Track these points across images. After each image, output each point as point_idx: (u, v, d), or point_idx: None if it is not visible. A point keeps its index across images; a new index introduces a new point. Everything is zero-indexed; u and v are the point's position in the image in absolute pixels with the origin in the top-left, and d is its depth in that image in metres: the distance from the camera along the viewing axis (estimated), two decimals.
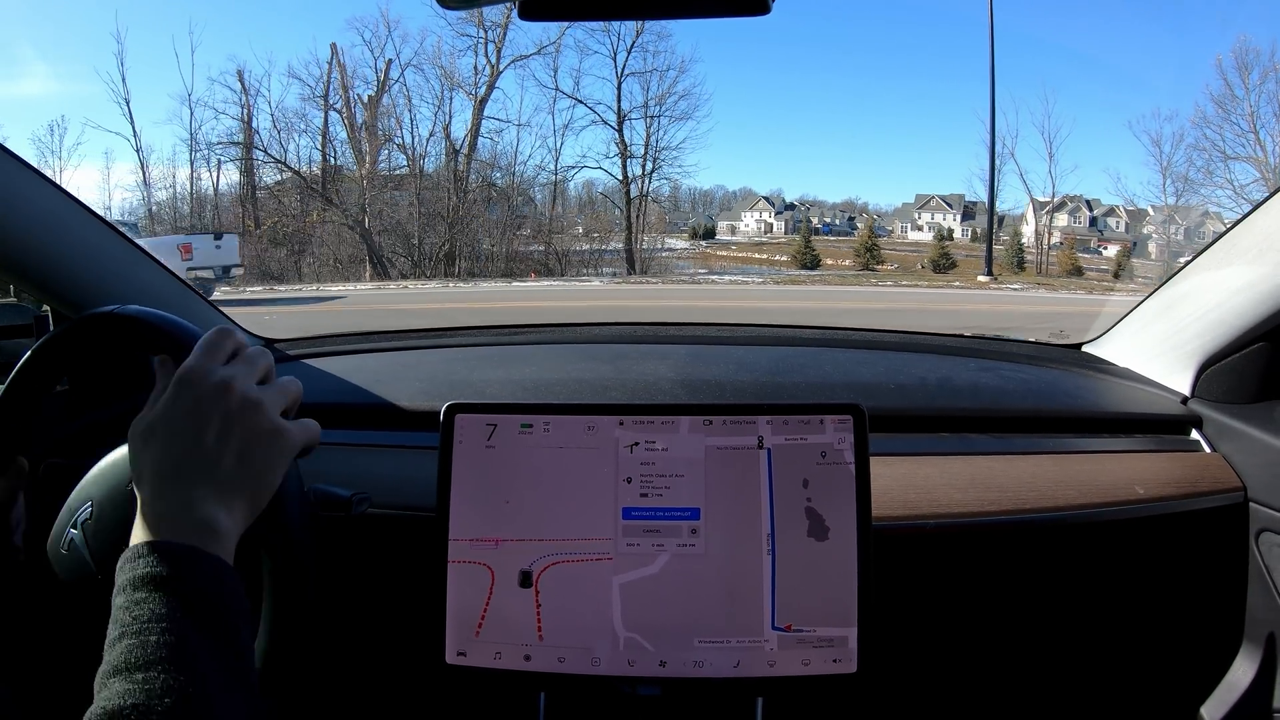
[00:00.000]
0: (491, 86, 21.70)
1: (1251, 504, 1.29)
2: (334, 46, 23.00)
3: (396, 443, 1.34)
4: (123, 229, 1.45)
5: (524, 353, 1.74)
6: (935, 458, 1.32)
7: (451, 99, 22.25)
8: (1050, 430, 1.40)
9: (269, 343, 1.73)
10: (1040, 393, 1.50)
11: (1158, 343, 1.51)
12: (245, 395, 0.78)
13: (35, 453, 1.03)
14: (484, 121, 22.08)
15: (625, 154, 22.98)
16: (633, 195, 23.26)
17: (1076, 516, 1.24)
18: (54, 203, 1.28)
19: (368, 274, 20.23)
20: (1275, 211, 1.24)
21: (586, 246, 22.82)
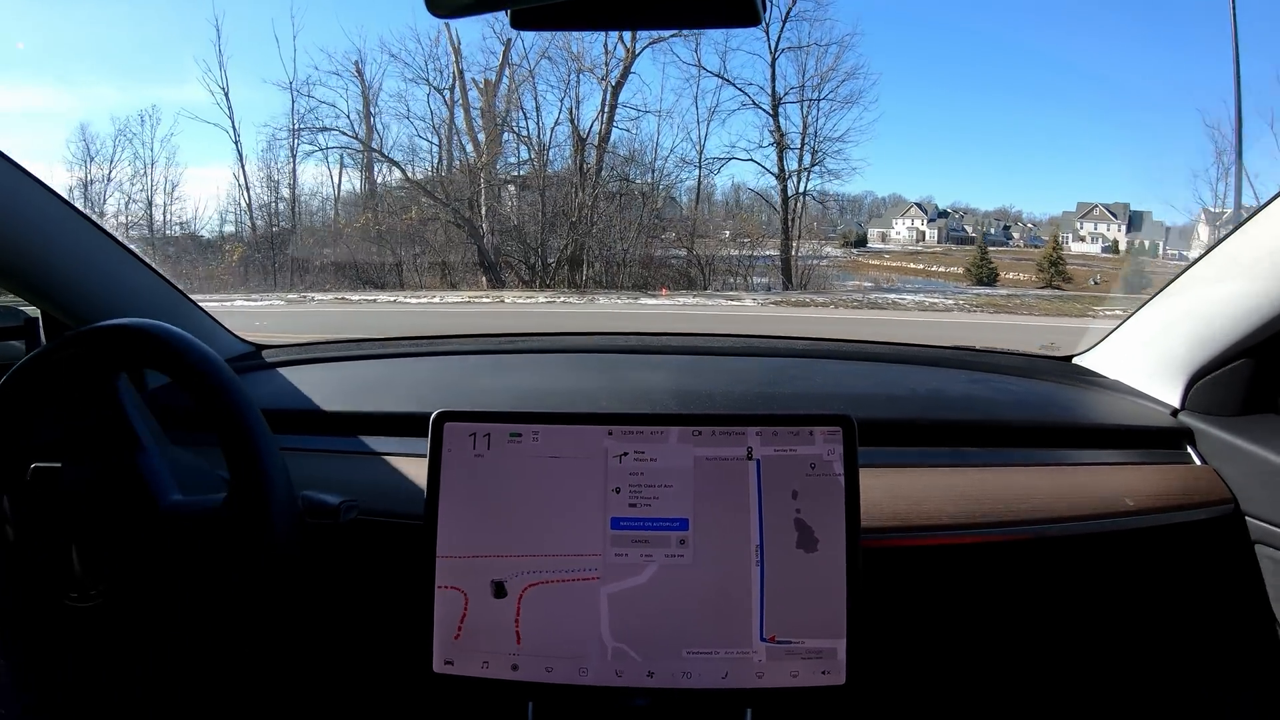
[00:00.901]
0: (627, 71, 18.06)
1: (1244, 517, 1.29)
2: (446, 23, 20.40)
3: (385, 450, 1.34)
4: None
5: (515, 362, 1.73)
6: (925, 469, 1.32)
7: (579, 83, 18.54)
8: (1041, 442, 1.40)
9: (258, 349, 1.72)
10: (1031, 405, 1.50)
11: (1148, 355, 1.51)
12: None
13: (21, 457, 1.02)
14: (618, 109, 18.38)
15: (782, 144, 18.58)
16: (789, 193, 19.39)
17: (1066, 529, 1.24)
18: (45, 205, 1.28)
19: (483, 281, 18.08)
20: (1267, 224, 1.25)
21: (734, 252, 19.25)
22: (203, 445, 1.06)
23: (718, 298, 16.14)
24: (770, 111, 18.06)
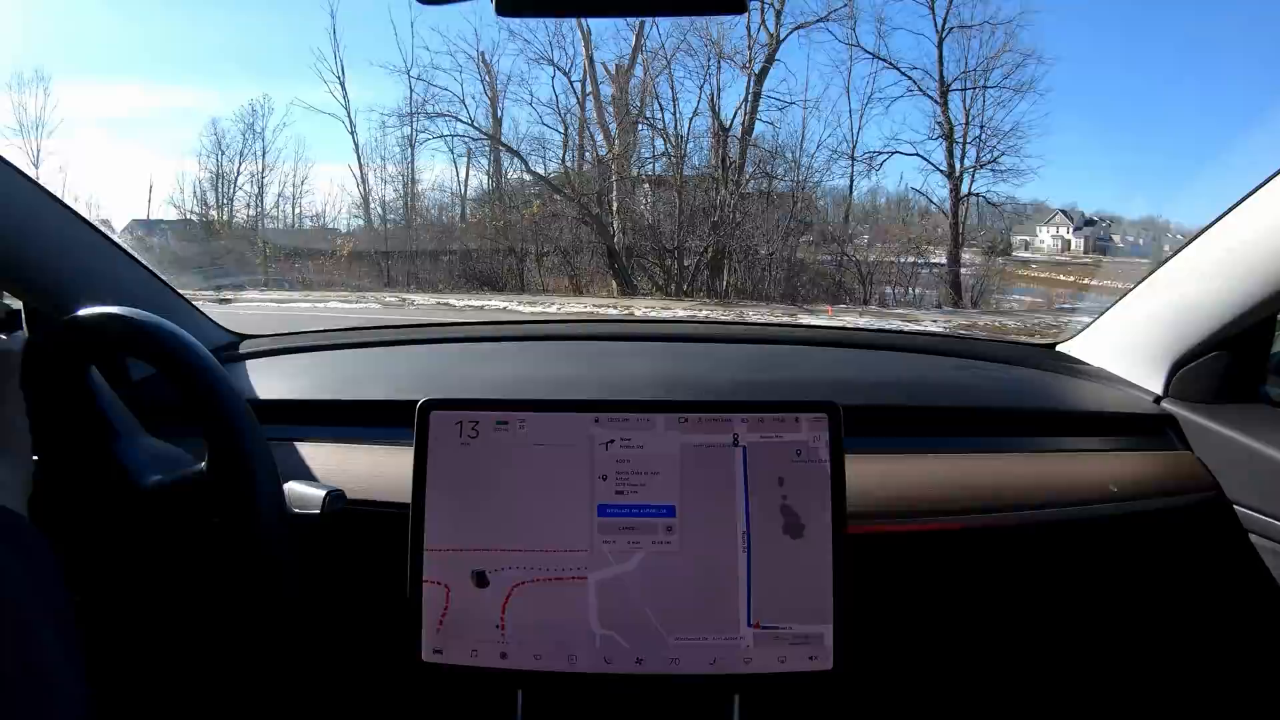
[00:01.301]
0: (771, 57, 15.71)
1: (1226, 504, 1.30)
2: None
3: (371, 439, 1.33)
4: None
5: (502, 349, 1.73)
6: (910, 456, 1.32)
7: (719, 70, 16.10)
8: (1024, 429, 1.41)
9: (241, 338, 1.71)
10: (1014, 392, 1.51)
11: (1131, 342, 1.52)
12: None
13: None
14: (761, 99, 16.01)
15: (950, 136, 15.63)
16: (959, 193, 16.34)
17: (1050, 514, 1.25)
18: (23, 194, 1.26)
19: (612, 286, 15.92)
20: (1248, 214, 1.26)
21: (895, 258, 16.10)
22: (189, 437, 1.05)
23: (891, 318, 13.61)
24: (939, 99, 15.47)
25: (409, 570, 1.03)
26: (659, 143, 16.79)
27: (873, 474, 1.25)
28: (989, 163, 15.56)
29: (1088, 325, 1.65)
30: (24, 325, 1.37)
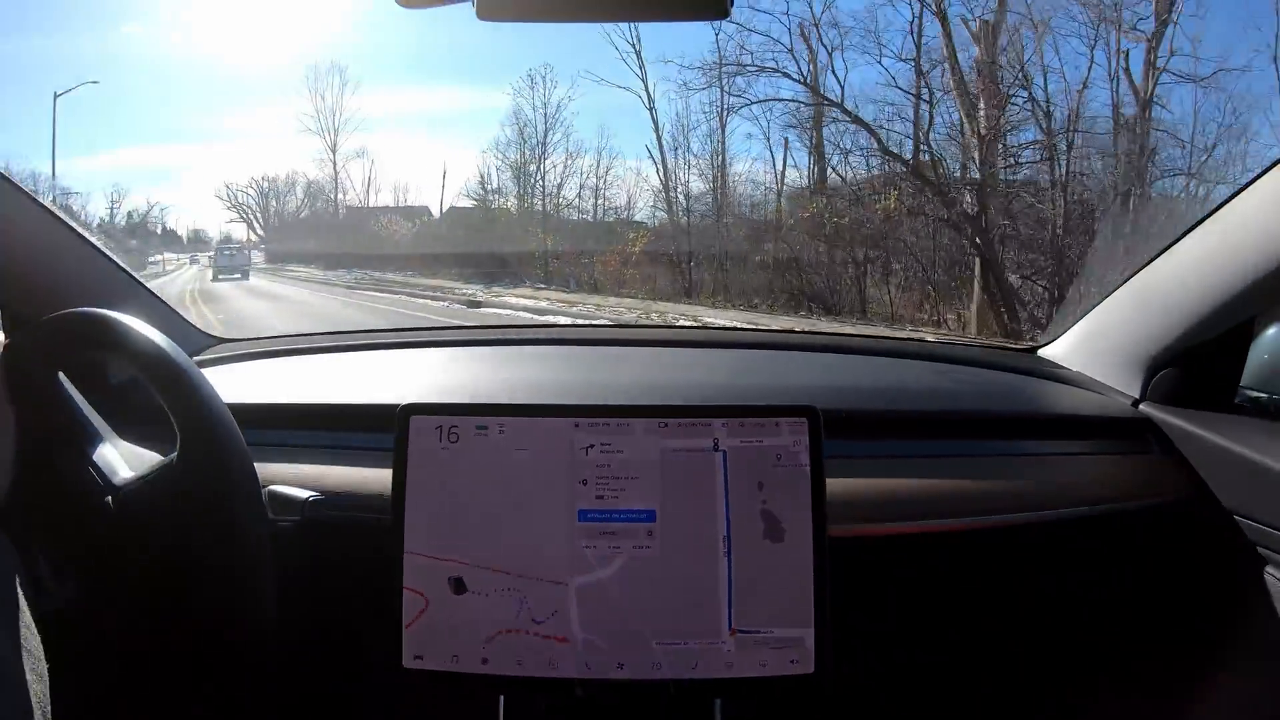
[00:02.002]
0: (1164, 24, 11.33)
1: (1203, 506, 1.31)
2: None
3: (351, 445, 1.33)
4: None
5: (482, 354, 1.73)
6: (890, 460, 1.33)
7: (1118, 30, 11.64)
8: (1003, 433, 1.42)
9: (218, 341, 1.70)
10: (994, 396, 1.52)
11: (1111, 346, 1.53)
12: None
13: None
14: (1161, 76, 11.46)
15: None
16: None
17: (1027, 518, 1.26)
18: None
19: (992, 322, 11.34)
20: (1227, 218, 1.27)
21: None
22: (169, 441, 1.05)
23: None
24: None
25: (390, 576, 1.02)
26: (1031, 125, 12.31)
27: (852, 478, 1.25)
28: None
29: (1069, 329, 1.66)
30: None
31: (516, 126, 18.47)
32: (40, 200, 1.31)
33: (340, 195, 24.18)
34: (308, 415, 1.39)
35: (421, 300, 16.51)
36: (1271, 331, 1.37)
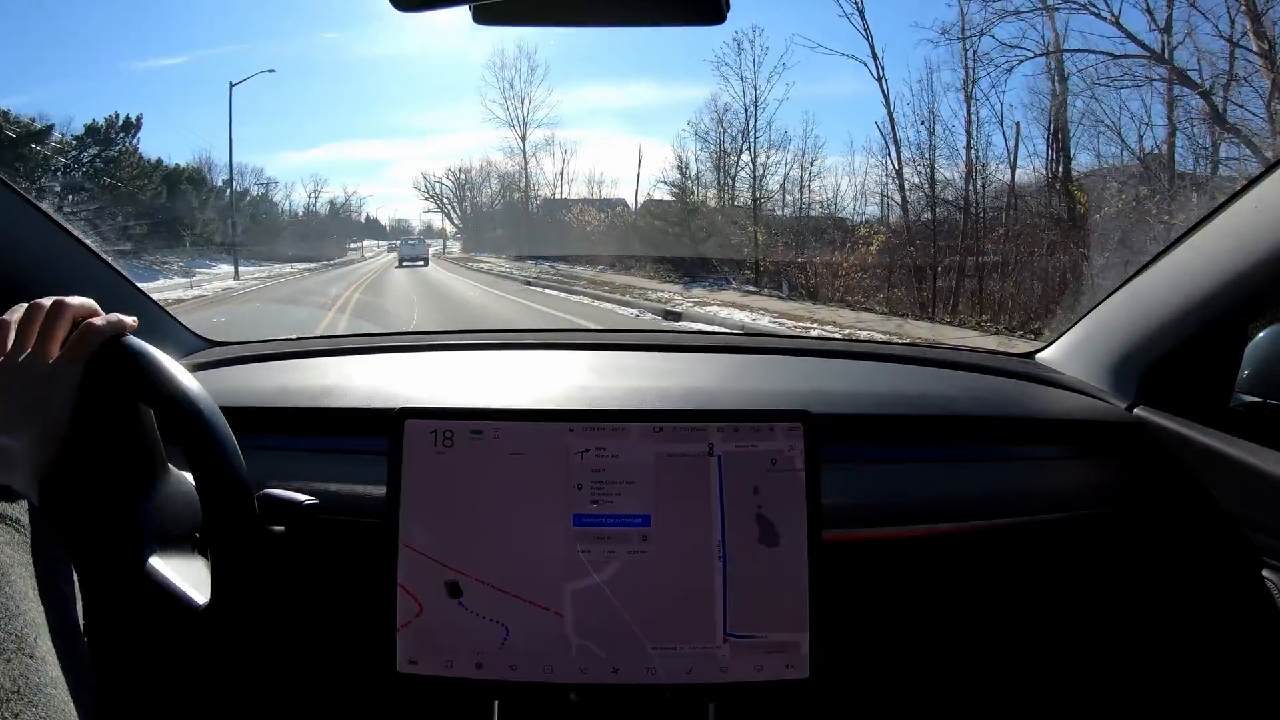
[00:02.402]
0: None
1: (1197, 509, 1.31)
2: None
3: (345, 448, 1.33)
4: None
5: (477, 359, 1.72)
6: (884, 464, 1.33)
7: None
8: (998, 438, 1.42)
9: (213, 344, 1.70)
10: (988, 401, 1.52)
11: (1104, 350, 1.54)
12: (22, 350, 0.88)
13: None
14: None
15: None
16: None
17: (1022, 523, 1.26)
18: None
19: None
20: (1221, 222, 1.28)
21: None
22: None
23: None
24: None
25: (384, 580, 1.02)
26: None
27: (847, 482, 1.25)
28: None
29: (1064, 333, 1.67)
30: None
31: (715, 113, 16.93)
32: (35, 203, 1.31)
33: (531, 185, 23.97)
34: (302, 418, 1.39)
35: (606, 304, 14.49)
36: (1264, 337, 1.38)
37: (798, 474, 1.03)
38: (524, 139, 23.12)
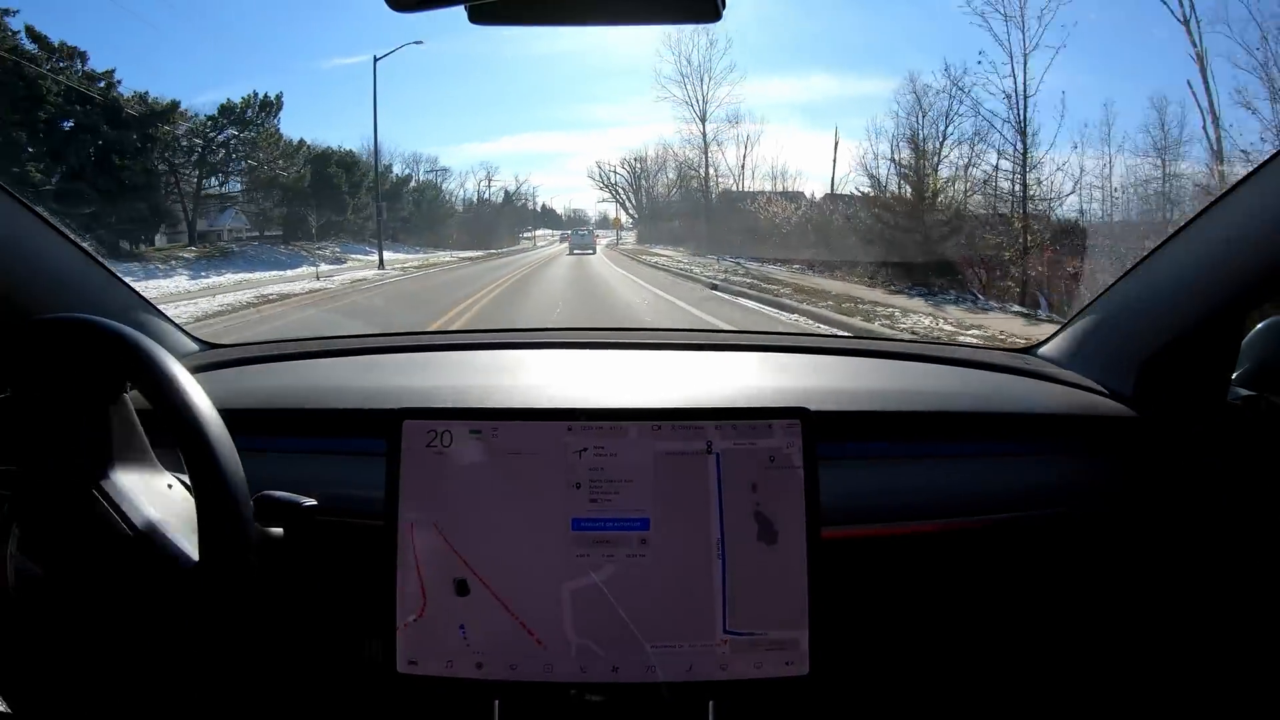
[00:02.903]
0: None
1: (1196, 503, 1.32)
2: None
3: (345, 449, 1.33)
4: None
5: (475, 358, 1.72)
6: (882, 461, 1.33)
7: None
8: (996, 434, 1.42)
9: (209, 347, 1.70)
10: (987, 398, 1.52)
11: (1103, 345, 1.54)
12: None
13: None
14: None
15: None
16: None
17: (1016, 517, 1.26)
18: None
19: None
20: (1218, 215, 1.28)
21: None
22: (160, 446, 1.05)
23: None
24: None
25: (383, 582, 1.02)
26: None
27: (845, 478, 1.25)
28: None
29: (1064, 328, 1.67)
30: None
31: (912, 94, 14.16)
32: (32, 206, 1.31)
33: (712, 172, 22.21)
34: (300, 420, 1.39)
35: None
36: (1260, 330, 1.38)
37: (796, 471, 1.03)
38: (704, 120, 21.29)
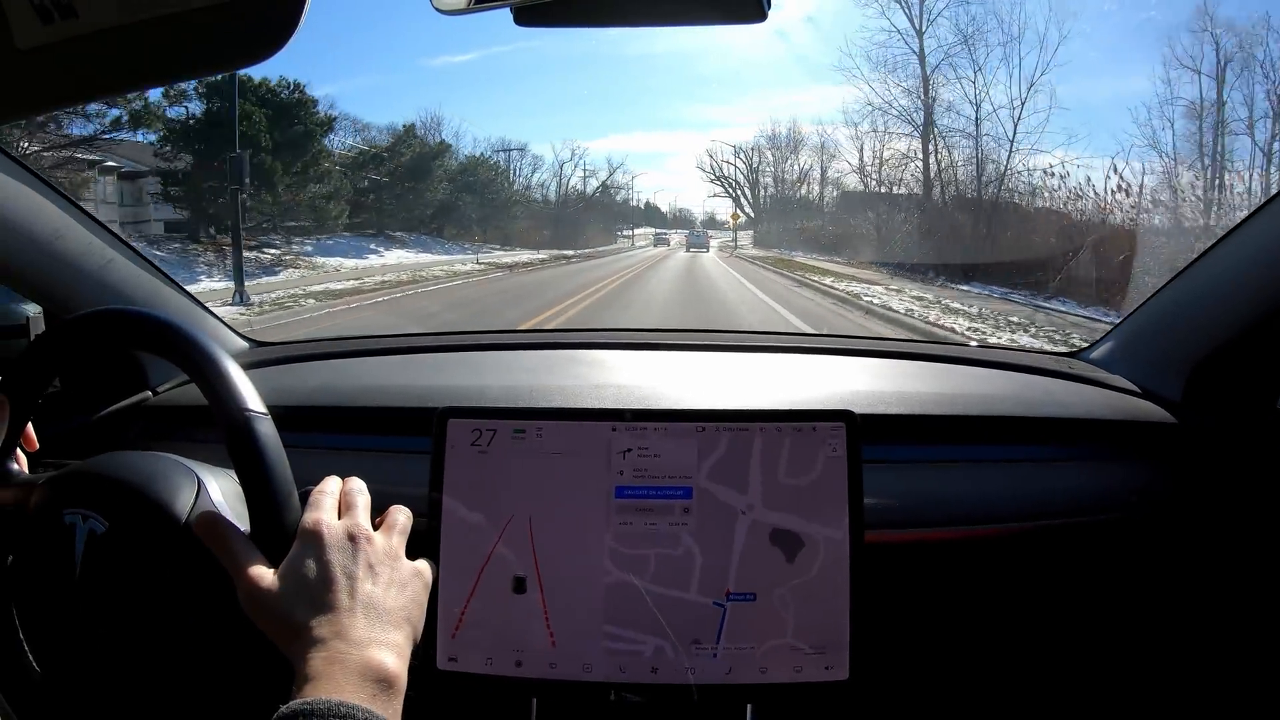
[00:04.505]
0: None
1: (1244, 509, 1.29)
2: None
3: (389, 447, 1.34)
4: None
5: (518, 358, 1.73)
6: (927, 465, 1.32)
7: None
8: (1042, 439, 1.40)
9: (257, 345, 1.72)
10: (1032, 401, 1.50)
11: (1151, 350, 1.51)
12: (384, 543, 0.88)
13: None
14: None
15: None
16: None
17: (1063, 523, 1.25)
18: (42, 201, 1.28)
19: None
20: (1266, 220, 1.25)
21: None
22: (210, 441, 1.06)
23: None
24: None
25: None
26: None
27: (889, 482, 1.24)
28: None
29: (1111, 331, 1.64)
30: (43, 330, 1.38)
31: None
32: (84, 209, 1.34)
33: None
34: (345, 418, 1.40)
35: None
36: None
37: (841, 474, 1.02)
38: (921, 56, 14.74)
